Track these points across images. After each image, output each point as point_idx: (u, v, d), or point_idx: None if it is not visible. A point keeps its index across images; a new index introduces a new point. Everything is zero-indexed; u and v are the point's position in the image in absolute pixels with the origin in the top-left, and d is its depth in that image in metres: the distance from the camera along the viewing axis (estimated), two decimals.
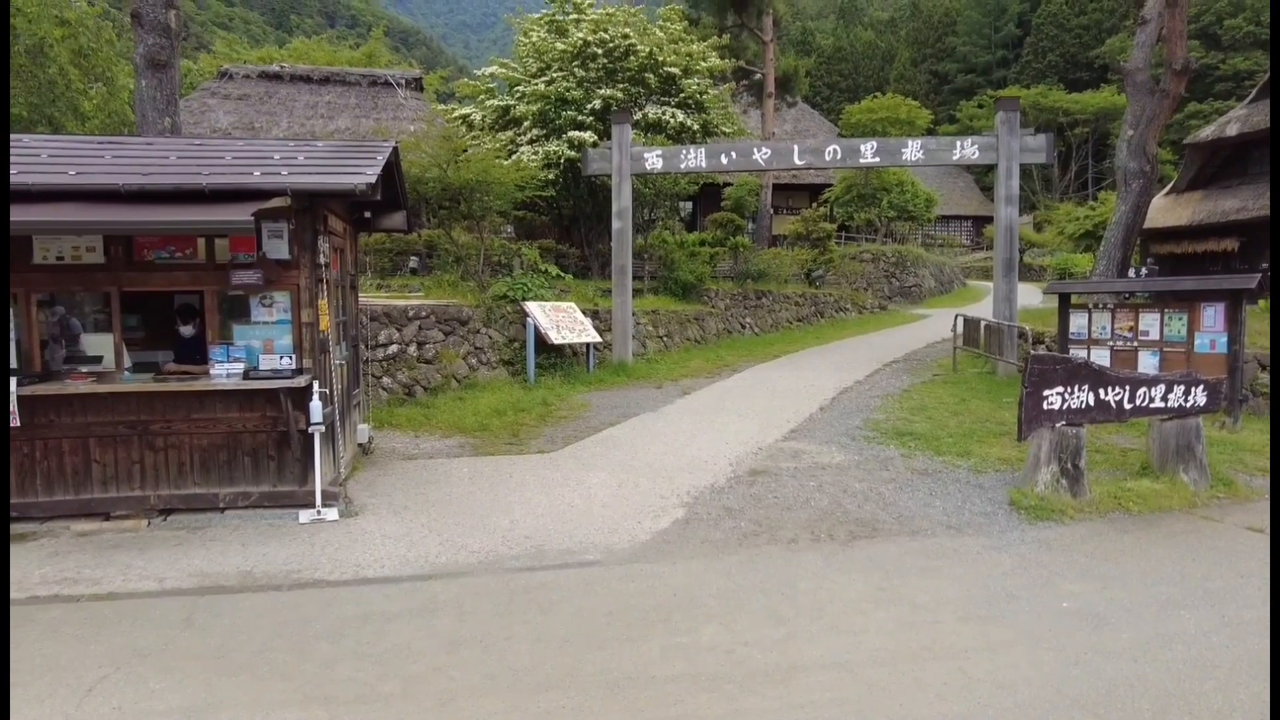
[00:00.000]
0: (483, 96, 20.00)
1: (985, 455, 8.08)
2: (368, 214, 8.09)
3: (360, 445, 8.25)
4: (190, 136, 9.71)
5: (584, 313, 13.78)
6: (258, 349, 6.29)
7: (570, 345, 13.17)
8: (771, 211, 29.31)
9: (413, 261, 17.75)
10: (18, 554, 5.46)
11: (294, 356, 6.27)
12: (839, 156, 13.85)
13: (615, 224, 14.21)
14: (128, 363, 6.36)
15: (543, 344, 12.46)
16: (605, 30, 18.54)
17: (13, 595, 4.77)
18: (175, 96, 10.11)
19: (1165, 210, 26.33)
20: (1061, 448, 6.61)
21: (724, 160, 14.07)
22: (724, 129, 20.35)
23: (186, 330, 6.57)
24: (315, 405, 6.14)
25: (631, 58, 18.62)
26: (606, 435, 9.21)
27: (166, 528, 6.05)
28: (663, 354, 15.78)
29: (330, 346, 6.65)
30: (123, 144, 6.84)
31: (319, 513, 6.25)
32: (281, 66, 22.35)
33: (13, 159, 6.05)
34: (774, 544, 5.68)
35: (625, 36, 18.46)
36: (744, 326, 19.97)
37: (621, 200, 14.09)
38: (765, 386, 12.60)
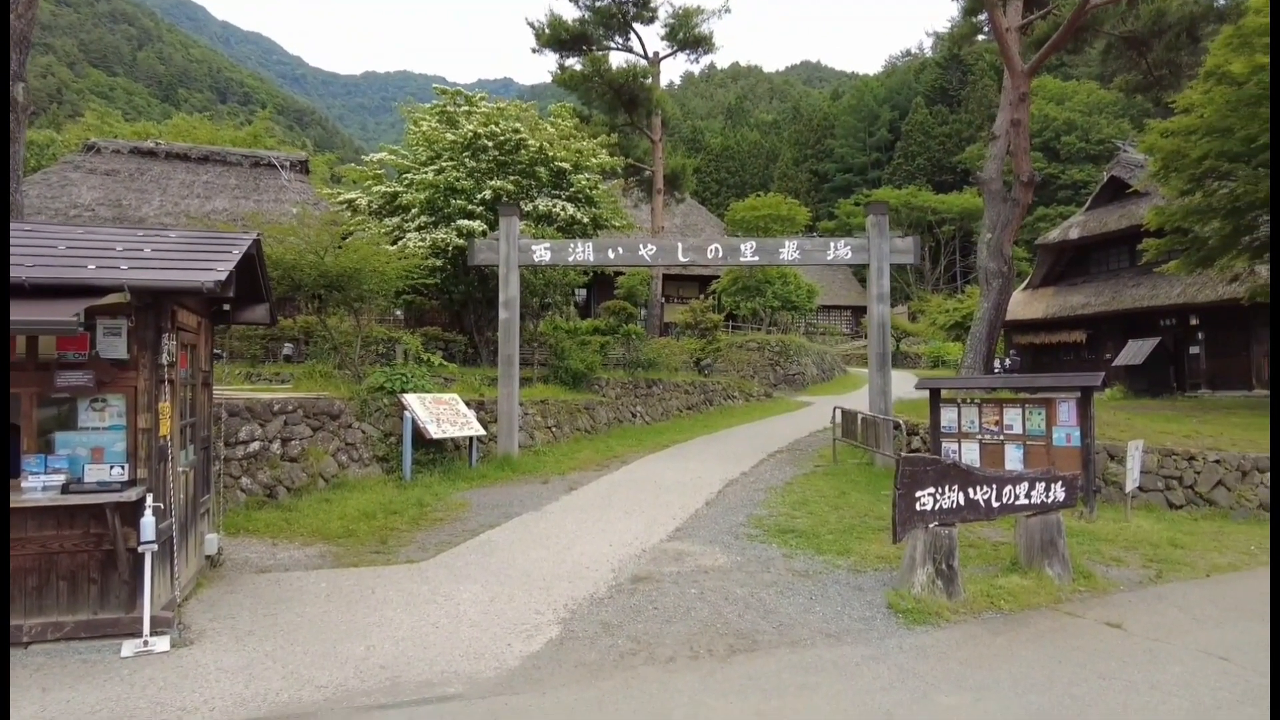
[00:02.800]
0: (370, 182, 19.73)
1: (864, 553, 8.14)
2: (226, 306, 7.59)
3: (208, 557, 7.49)
4: (31, 220, 8.94)
5: (469, 404, 13.38)
6: (84, 458, 5.63)
7: (452, 439, 12.69)
8: (663, 300, 29.93)
9: (286, 348, 16.91)
10: None
11: (127, 465, 5.65)
12: (720, 255, 14.29)
13: (502, 314, 14.03)
14: None
15: (421, 438, 11.93)
16: (496, 124, 18.80)
17: None
18: (19, 173, 9.36)
19: (1023, 304, 28.53)
20: (935, 548, 6.70)
21: (611, 255, 14.25)
22: (614, 222, 20.78)
23: None
24: (148, 521, 5.51)
25: (522, 151, 18.89)
26: (484, 540, 8.76)
27: None
28: (551, 445, 15.45)
29: (173, 452, 6.06)
30: None
31: (146, 643, 5.53)
32: (156, 142, 21.38)
33: None
34: (651, 664, 5.40)
35: (516, 131, 18.77)
36: (635, 415, 19.94)
37: (509, 290, 13.96)
38: (653, 480, 12.46)
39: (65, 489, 5.42)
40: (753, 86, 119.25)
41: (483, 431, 13.20)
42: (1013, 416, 11.22)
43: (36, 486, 5.42)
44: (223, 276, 5.63)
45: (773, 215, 34.99)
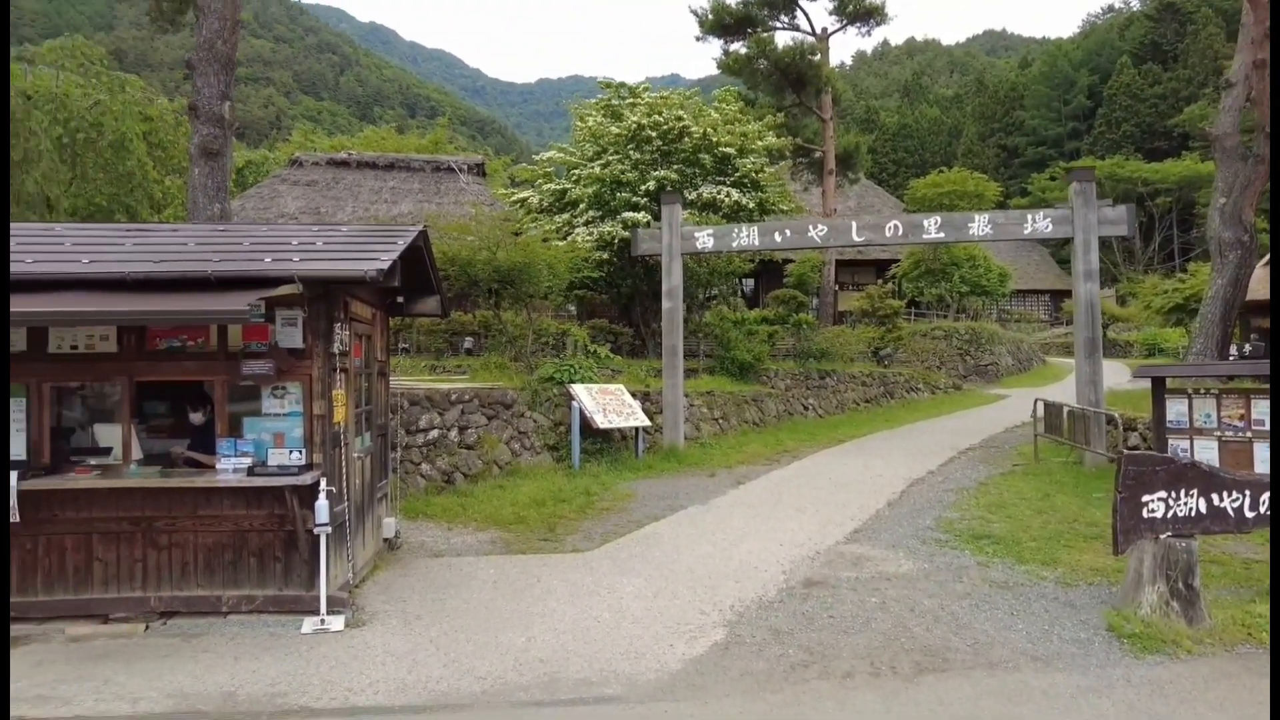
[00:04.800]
0: (540, 180, 20.25)
1: (1075, 564, 7.08)
2: (400, 299, 7.83)
3: (386, 540, 7.78)
4: (230, 223, 9.76)
5: (634, 395, 13.27)
6: (268, 442, 5.93)
7: (618, 429, 12.62)
8: (836, 288, 28.64)
9: (466, 342, 17.68)
10: (16, 659, 5.08)
11: (303, 450, 5.88)
12: (900, 233, 13.22)
13: (665, 304, 13.79)
14: (138, 454, 6.07)
15: (589, 428, 11.94)
16: (659, 114, 18.63)
17: None
18: (225, 183, 10.29)
19: (1265, 281, 24.58)
20: (1169, 563, 5.63)
21: (778, 238, 13.60)
22: (781, 207, 20.01)
23: (197, 418, 6.31)
24: (322, 505, 5.69)
25: (686, 139, 18.59)
26: (649, 532, 8.53)
27: (163, 633, 5.62)
28: (718, 438, 15.06)
29: (347, 439, 6.26)
30: (146, 231, 6.78)
31: (323, 621, 5.73)
32: (349, 154, 23.23)
33: (37, 248, 5.99)
34: (826, 678, 4.86)
35: (679, 119, 18.49)
36: (806, 408, 19.10)
37: (671, 279, 13.70)
38: (827, 476, 11.73)
39: (251, 471, 5.71)
40: (930, 61, 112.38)
41: (648, 423, 13.04)
42: (1263, 410, 9.44)
43: (228, 468, 5.76)
44: (385, 265, 5.70)
45: (957, 192, 32.46)
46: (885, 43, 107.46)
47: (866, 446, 14.95)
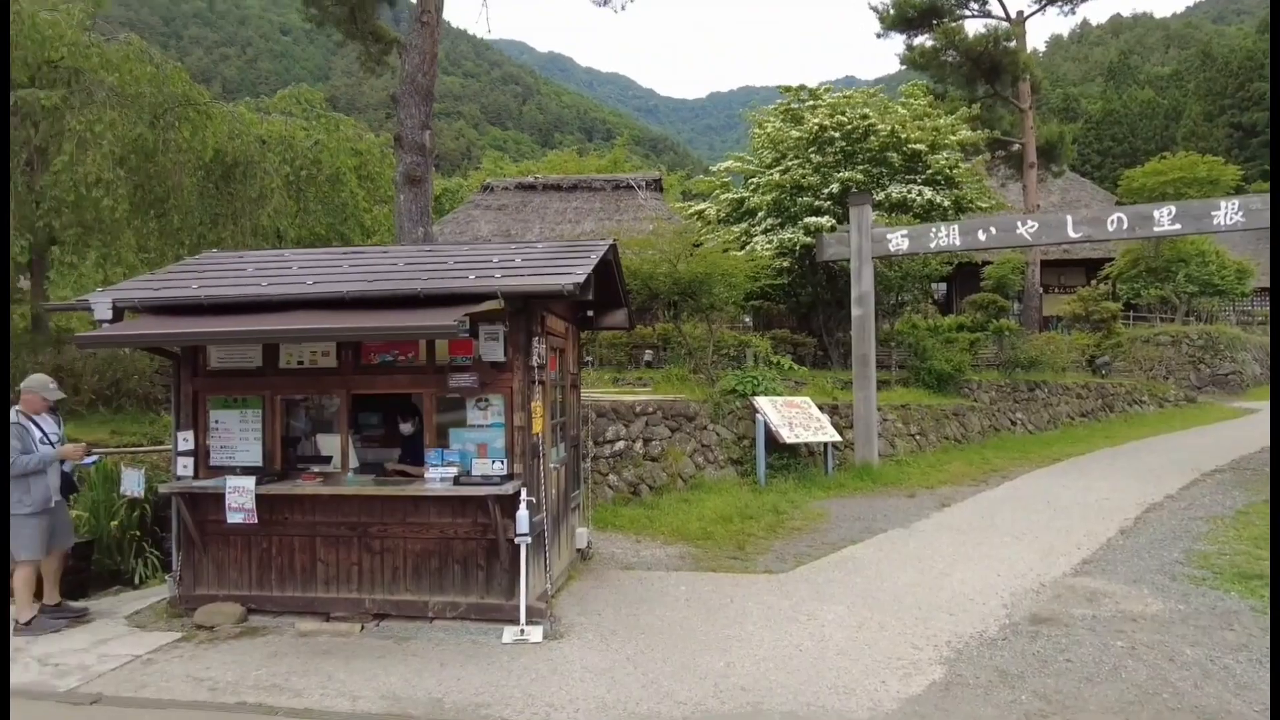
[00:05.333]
0: (717, 191, 20.13)
1: None
2: (590, 313, 7.89)
3: (579, 550, 7.83)
4: (434, 244, 10.33)
5: (821, 408, 12.70)
6: (472, 452, 6.09)
7: (805, 444, 12.10)
8: (1041, 291, 26.21)
9: (647, 355, 17.83)
10: (248, 648, 5.53)
11: (505, 461, 5.99)
12: (1125, 226, 11.75)
13: (855, 311, 13.11)
14: (354, 463, 6.46)
15: (774, 443, 11.53)
16: (842, 113, 17.92)
17: (223, 699, 4.71)
18: (428, 208, 10.95)
19: None
20: None
21: (981, 237, 12.52)
22: (979, 204, 18.58)
23: (406, 428, 6.62)
24: (522, 514, 5.76)
25: (871, 138, 17.75)
26: (846, 555, 8.01)
27: (377, 635, 5.89)
28: (915, 455, 14.08)
29: (544, 450, 6.33)
30: (361, 253, 7.24)
31: (523, 632, 5.78)
32: (535, 177, 24.33)
33: (270, 271, 6.55)
34: None
35: (864, 117, 17.70)
36: (1014, 423, 17.50)
37: (862, 285, 13.01)
38: (1045, 500, 10.58)
39: (457, 480, 5.89)
40: (1140, 38, 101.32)
41: (838, 437, 12.41)
42: None
43: (435, 477, 5.97)
44: (581, 278, 5.69)
45: (1185, 179, 28.67)
46: (1085, 23, 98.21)
47: (1087, 466, 13.41)
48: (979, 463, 13.68)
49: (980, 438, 16.21)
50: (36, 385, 6.14)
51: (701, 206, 20.07)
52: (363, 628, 5.98)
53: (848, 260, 13.29)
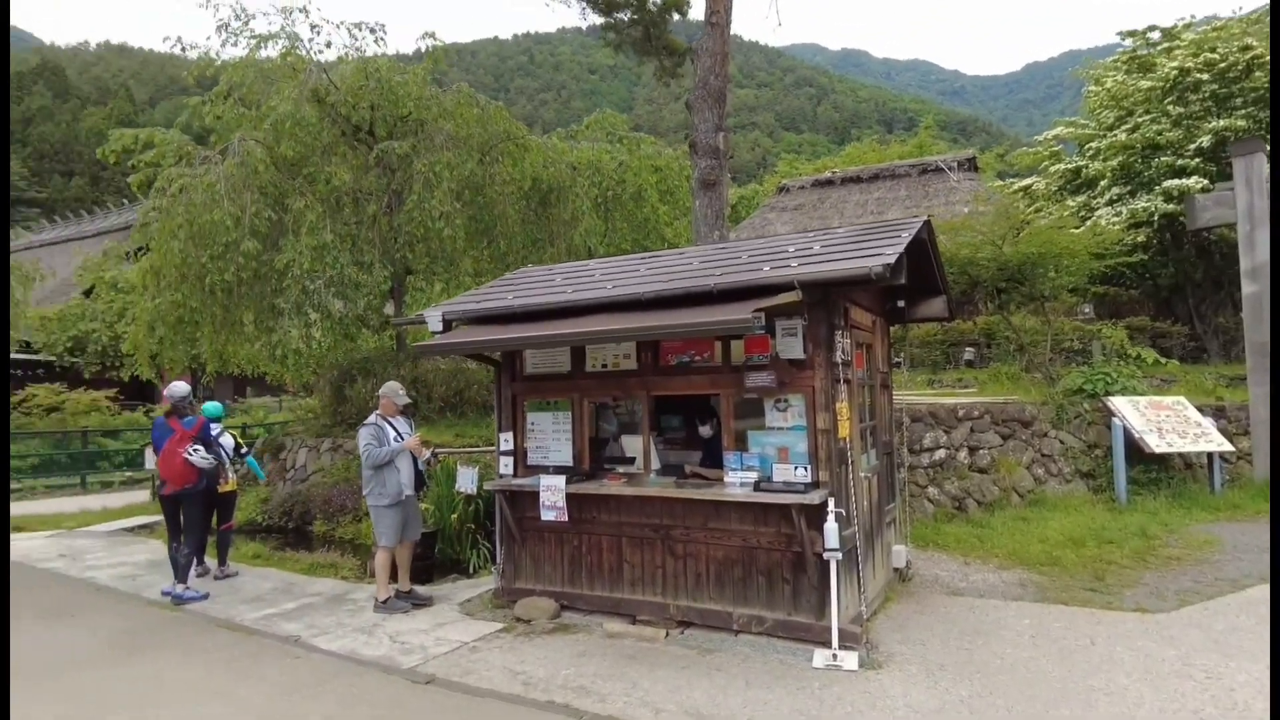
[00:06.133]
0: (1045, 163, 17.60)
1: None
2: (900, 303, 7.07)
3: (895, 570, 7.03)
4: (724, 242, 10.10)
5: (1201, 410, 10.29)
6: (772, 457, 5.66)
7: (1180, 454, 9.86)
8: None
9: (967, 353, 16.05)
10: (559, 646, 5.64)
11: (809, 467, 5.47)
12: None
13: (1247, 288, 10.43)
14: (656, 465, 6.37)
15: (1137, 452, 9.53)
16: (1211, 50, 14.62)
17: (534, 695, 4.78)
18: (723, 211, 10.80)
19: None
20: None
21: None
22: None
23: (705, 430, 6.39)
24: (831, 527, 5.19)
25: (1256, 73, 14.23)
26: (1255, 597, 6.22)
27: (681, 643, 5.69)
28: None
29: (853, 456, 5.70)
30: (657, 256, 7.18)
31: (835, 656, 5.20)
32: (832, 172, 23.38)
33: (575, 279, 6.74)
34: None
35: (1245, 49, 14.25)
36: None
37: (1256, 255, 10.32)
38: None
39: (757, 486, 5.49)
40: None
41: (1227, 446, 9.94)
42: None
43: (735, 482, 5.64)
44: (891, 259, 4.99)
45: None
46: None
47: None
48: None
49: None
50: (389, 391, 6.93)
51: (1027, 182, 17.71)
52: (667, 634, 5.83)
53: (1229, 226, 10.67)
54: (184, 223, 11.03)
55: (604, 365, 6.37)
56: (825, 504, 5.25)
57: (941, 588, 6.89)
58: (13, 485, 15.46)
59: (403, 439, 6.75)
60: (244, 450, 7.61)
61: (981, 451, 9.70)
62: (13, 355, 20.60)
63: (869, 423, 6.47)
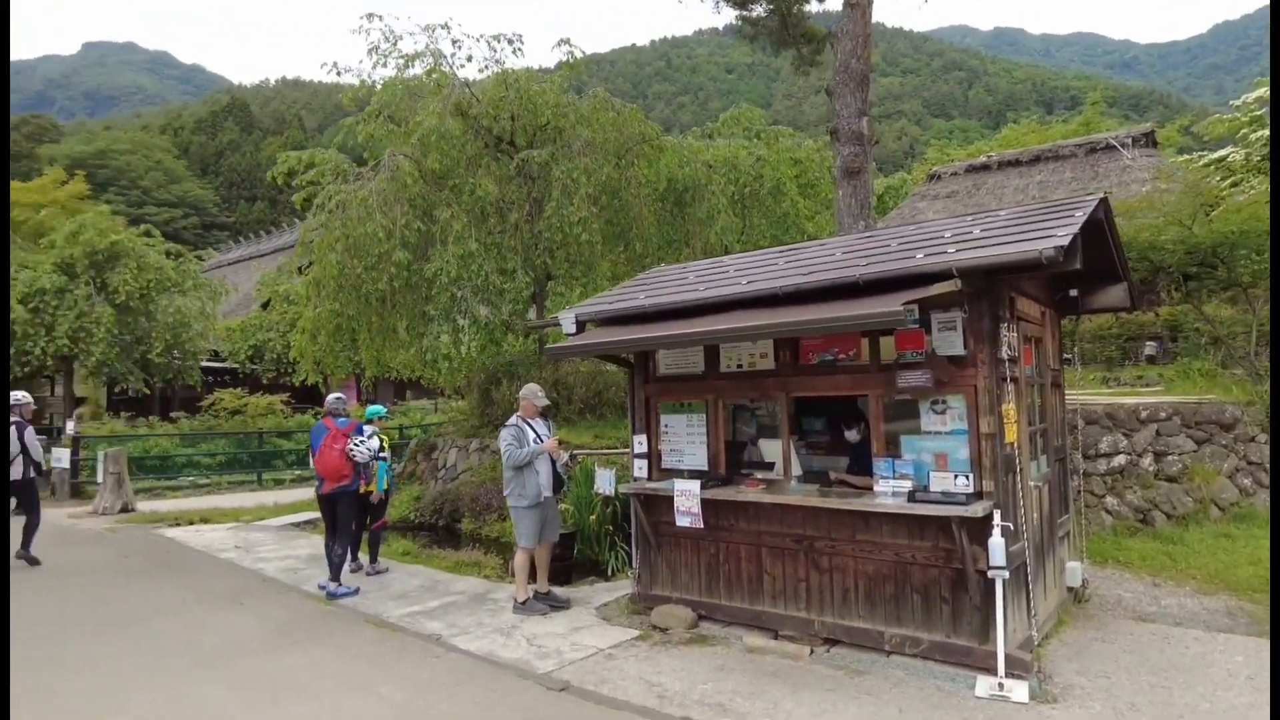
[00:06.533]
0: (1244, 130, 15.54)
1: None
2: (1073, 291, 6.34)
3: (1070, 590, 6.30)
4: (869, 231, 9.51)
5: None
6: (928, 464, 5.17)
7: None
8: None
9: (1148, 347, 14.42)
10: (697, 658, 5.40)
11: (970, 476, 4.94)
12: None
13: None
14: (797, 470, 6.01)
15: None
16: None
17: (669, 710, 4.56)
18: (869, 200, 10.20)
19: None
20: None
21: None
22: None
23: (851, 435, 5.97)
24: (996, 543, 4.66)
25: None
26: None
27: (826, 662, 5.31)
28: None
29: (1021, 463, 5.11)
30: (797, 249, 6.79)
31: (1000, 685, 4.66)
32: (988, 156, 21.77)
33: (709, 277, 6.49)
34: None
35: None
36: None
37: None
38: None
39: (911, 496, 5.03)
40: None
41: None
42: None
43: (886, 491, 5.20)
44: (1064, 241, 4.41)
45: None
46: None
47: None
48: None
49: None
50: (529, 393, 6.95)
51: (1221, 154, 15.71)
52: (811, 651, 5.45)
53: None
54: (340, 236, 11.71)
55: (739, 365, 6.08)
56: (990, 516, 4.72)
57: (1126, 611, 6.10)
58: (200, 480, 17.11)
59: (542, 440, 6.74)
60: (383, 454, 7.89)
61: (1170, 458, 8.59)
62: (203, 363, 22.83)
63: (1039, 425, 5.81)
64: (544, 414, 7.04)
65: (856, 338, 5.51)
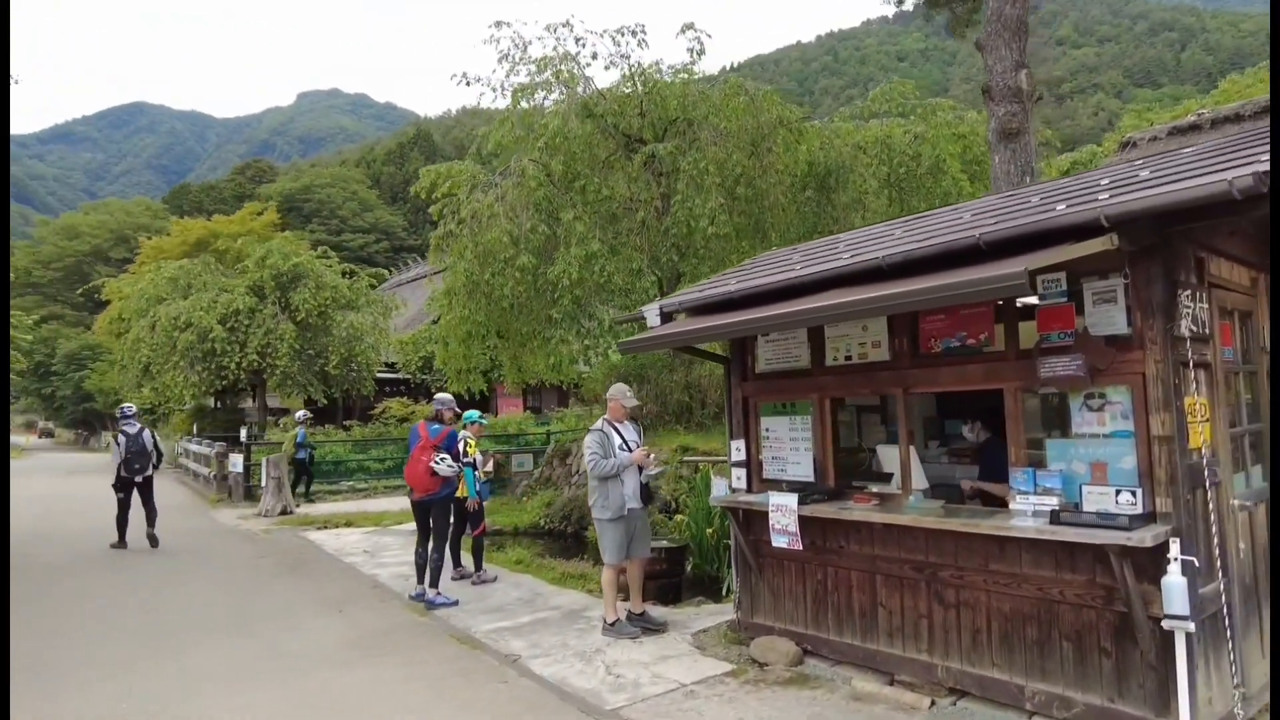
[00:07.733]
0: None
1: None
2: None
3: None
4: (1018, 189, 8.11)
5: None
6: (1081, 475, 4.03)
7: None
8: None
9: None
10: (791, 702, 4.56)
11: (1138, 491, 3.76)
12: None
13: None
14: (920, 483, 4.96)
15: None
16: None
17: None
18: (1030, 164, 8.74)
19: None
20: None
21: None
22: None
23: (979, 437, 4.88)
24: (1174, 583, 3.48)
25: None
26: None
27: (951, 716, 4.29)
28: None
29: (1216, 476, 3.85)
30: (923, 217, 5.71)
31: None
32: (1198, 114, 18.66)
33: (814, 256, 5.61)
34: None
35: None
36: None
37: None
38: None
39: (1056, 517, 3.91)
40: None
41: None
42: None
43: (1025, 510, 4.11)
44: (1263, 167, 3.20)
45: None
46: None
47: None
48: None
49: None
50: (616, 393, 6.38)
51: None
52: (933, 703, 4.45)
53: None
54: (469, 244, 11.77)
55: (848, 357, 5.15)
56: (1164, 546, 3.55)
57: None
58: (360, 485, 18.04)
59: (629, 447, 6.15)
60: (468, 460, 7.56)
61: None
62: (378, 374, 24.31)
63: (1246, 427, 4.44)
64: (633, 417, 6.44)
65: (988, 318, 4.46)
